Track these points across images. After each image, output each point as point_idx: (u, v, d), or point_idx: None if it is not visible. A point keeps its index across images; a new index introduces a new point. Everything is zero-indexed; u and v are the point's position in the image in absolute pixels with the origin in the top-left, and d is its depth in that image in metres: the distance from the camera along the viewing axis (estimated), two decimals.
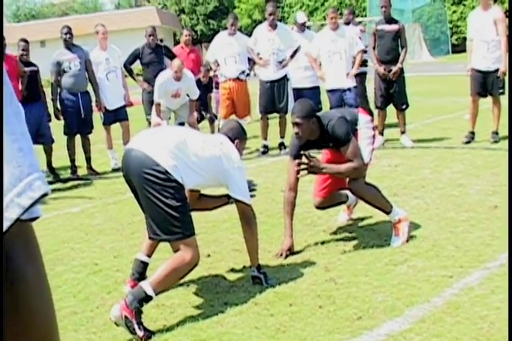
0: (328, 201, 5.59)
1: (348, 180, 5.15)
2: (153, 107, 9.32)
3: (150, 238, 4.27)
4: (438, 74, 21.88)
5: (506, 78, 8.97)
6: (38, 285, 1.05)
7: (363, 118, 5.31)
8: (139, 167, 3.98)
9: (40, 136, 8.84)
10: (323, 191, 5.50)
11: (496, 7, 9.55)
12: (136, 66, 10.25)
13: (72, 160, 9.27)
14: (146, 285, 3.85)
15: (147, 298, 3.82)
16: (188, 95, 9.42)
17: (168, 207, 3.97)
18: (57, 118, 9.20)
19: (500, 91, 9.18)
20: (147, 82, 9.96)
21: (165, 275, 3.91)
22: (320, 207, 5.62)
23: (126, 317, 3.69)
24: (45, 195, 1.00)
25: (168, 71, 9.25)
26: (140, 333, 3.70)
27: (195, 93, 9.41)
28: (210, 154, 4.22)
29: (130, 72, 10.07)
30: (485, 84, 9.22)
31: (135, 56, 10.05)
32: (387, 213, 5.22)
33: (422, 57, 36.78)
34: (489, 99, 9.32)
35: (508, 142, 8.15)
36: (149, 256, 4.56)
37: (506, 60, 8.99)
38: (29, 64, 8.95)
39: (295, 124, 4.88)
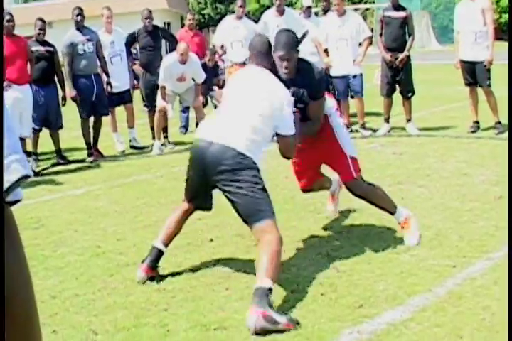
0: (312, 188, 5.47)
1: (346, 182, 4.93)
2: (159, 90, 9.28)
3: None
4: (446, 63, 21.75)
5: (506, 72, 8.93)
6: (18, 268, 1.05)
7: (331, 101, 4.97)
8: (222, 160, 4.03)
9: (49, 120, 8.82)
10: (302, 182, 5.32)
11: None
12: None
13: (88, 143, 9.21)
14: (262, 282, 3.67)
15: (271, 291, 3.68)
16: (193, 79, 9.38)
17: (259, 190, 4.06)
18: (75, 101, 9.07)
19: (487, 82, 9.12)
20: (143, 67, 9.89)
21: (270, 262, 3.78)
22: (305, 191, 5.52)
23: (265, 316, 3.50)
24: (24, 177, 0.97)
25: (173, 54, 9.21)
26: (283, 321, 3.53)
27: (201, 76, 9.38)
28: (270, 124, 4.27)
29: (130, 54, 10.00)
30: (474, 74, 9.19)
31: (133, 38, 9.96)
32: (392, 214, 4.99)
33: (430, 45, 36.60)
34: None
35: (508, 136, 8.14)
36: (166, 245, 4.52)
37: (493, 50, 8.98)
38: (45, 43, 8.88)
39: (283, 59, 4.51)
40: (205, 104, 10.76)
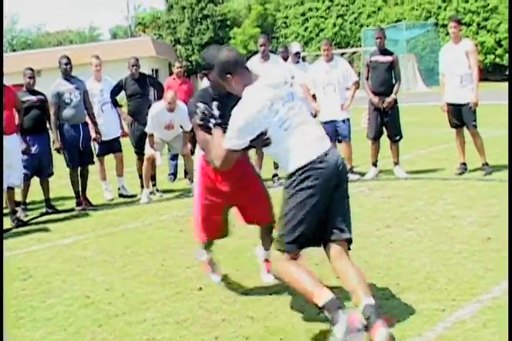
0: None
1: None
2: (147, 139, 9.30)
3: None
4: (433, 104, 21.94)
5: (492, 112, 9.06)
6: None
7: None
8: (343, 164, 4.12)
9: (40, 168, 8.82)
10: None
11: (466, 39, 9.73)
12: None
13: (77, 192, 9.20)
14: (366, 301, 3.76)
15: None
16: (181, 127, 9.43)
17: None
18: (58, 151, 9.08)
19: (473, 123, 9.22)
20: (131, 114, 9.93)
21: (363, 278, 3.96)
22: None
23: (388, 323, 3.69)
24: None
25: (161, 102, 9.26)
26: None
27: (189, 125, 9.43)
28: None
29: (115, 104, 10.01)
30: (460, 116, 9.28)
31: (119, 87, 9.98)
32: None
33: (416, 87, 36.99)
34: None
35: (508, 149, 8.18)
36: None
37: (478, 91, 9.10)
38: (36, 92, 8.93)
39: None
40: (193, 152, 10.79)
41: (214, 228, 5.09)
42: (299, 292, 3.98)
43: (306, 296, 3.90)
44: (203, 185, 4.97)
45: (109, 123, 9.74)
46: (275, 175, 9.92)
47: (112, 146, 9.83)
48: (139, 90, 9.90)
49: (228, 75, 4.07)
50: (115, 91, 9.93)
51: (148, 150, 9.32)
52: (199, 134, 4.59)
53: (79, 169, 9.21)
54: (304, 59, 31.23)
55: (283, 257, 4.03)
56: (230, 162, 4.12)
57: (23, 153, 8.49)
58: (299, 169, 3.96)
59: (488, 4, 38.56)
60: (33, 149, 8.68)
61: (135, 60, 9.96)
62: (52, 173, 9.07)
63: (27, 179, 8.72)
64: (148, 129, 9.19)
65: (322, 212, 4.00)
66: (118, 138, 9.95)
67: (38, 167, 8.81)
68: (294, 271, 3.96)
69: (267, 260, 5.25)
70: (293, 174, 4.00)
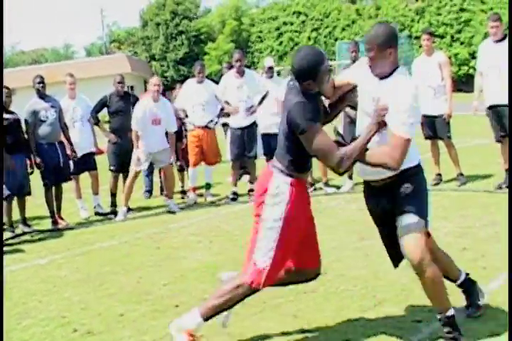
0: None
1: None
2: (133, 154, 9.28)
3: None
4: None
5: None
6: None
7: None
8: None
9: (20, 188, 8.75)
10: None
11: (439, 52, 9.83)
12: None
13: (52, 211, 9.12)
14: (446, 311, 3.98)
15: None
16: (166, 134, 9.47)
17: None
18: (39, 167, 8.97)
19: (448, 135, 9.29)
20: (114, 131, 9.90)
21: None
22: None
23: None
24: None
25: (143, 99, 9.42)
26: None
27: (174, 122, 9.53)
28: None
29: (97, 121, 9.98)
30: (434, 128, 9.34)
31: (102, 104, 9.95)
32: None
33: None
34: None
35: (509, 153, 8.24)
36: None
37: (451, 103, 9.16)
38: (10, 112, 8.83)
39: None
40: (183, 168, 10.76)
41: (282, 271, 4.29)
42: (434, 295, 4.01)
43: (438, 300, 4.01)
44: (289, 219, 4.07)
45: (81, 138, 9.65)
46: (251, 190, 9.90)
47: (88, 163, 9.78)
48: (124, 107, 9.87)
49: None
50: (98, 107, 9.90)
51: (133, 168, 9.31)
52: (322, 139, 3.92)
53: (53, 188, 9.14)
54: (278, 73, 31.42)
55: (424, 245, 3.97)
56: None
57: (7, 169, 8.44)
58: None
59: (461, 17, 39.14)
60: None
61: (121, 78, 10.00)
62: (29, 192, 8.99)
63: (10, 199, 8.64)
64: (134, 125, 9.21)
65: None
66: (93, 156, 9.90)
67: (18, 186, 8.73)
68: (439, 276, 4.03)
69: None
70: (417, 166, 4.13)
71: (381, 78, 3.96)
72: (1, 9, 8.27)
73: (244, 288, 4.04)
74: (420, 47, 39.56)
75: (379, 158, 3.89)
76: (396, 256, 4.27)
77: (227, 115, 10.18)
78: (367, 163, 3.94)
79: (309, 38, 45.70)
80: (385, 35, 3.90)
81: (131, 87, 41.17)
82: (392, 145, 3.83)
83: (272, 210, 4.03)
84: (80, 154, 9.55)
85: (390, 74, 3.95)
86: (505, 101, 8.28)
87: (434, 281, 3.92)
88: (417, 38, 36.66)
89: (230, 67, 11.08)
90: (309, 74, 3.97)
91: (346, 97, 4.36)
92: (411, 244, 3.91)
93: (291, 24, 46.94)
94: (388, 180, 4.05)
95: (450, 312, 3.97)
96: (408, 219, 3.98)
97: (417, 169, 4.11)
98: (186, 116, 10.16)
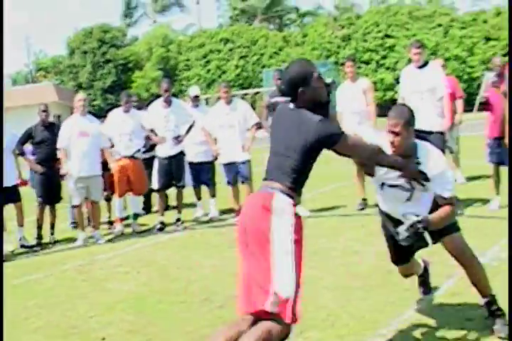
0: None
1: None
2: (61, 155, 9.29)
3: None
4: None
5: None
6: None
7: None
8: None
9: None
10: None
11: (363, 78, 10.17)
12: None
13: None
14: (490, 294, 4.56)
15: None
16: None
17: None
18: None
19: None
20: (39, 162, 9.75)
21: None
22: None
23: None
24: None
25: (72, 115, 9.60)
26: None
27: (106, 140, 9.75)
28: None
29: (22, 153, 9.82)
30: None
31: (27, 136, 9.81)
32: None
33: None
34: None
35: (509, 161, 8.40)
36: None
37: (375, 128, 9.38)
38: None
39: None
40: (109, 197, 10.64)
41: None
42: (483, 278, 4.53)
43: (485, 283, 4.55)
44: (298, 242, 4.06)
45: (4, 171, 9.50)
46: (178, 220, 9.85)
47: (12, 195, 9.60)
48: (49, 137, 9.75)
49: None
50: (23, 139, 9.74)
51: (77, 198, 9.36)
52: (355, 138, 4.19)
53: None
54: (207, 102, 31.49)
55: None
56: None
57: None
58: None
59: (386, 43, 40.19)
60: None
61: (45, 106, 9.97)
62: None
63: None
64: (59, 143, 9.35)
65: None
66: (16, 187, 9.73)
67: None
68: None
69: None
70: None
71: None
72: (1, 9, 8.20)
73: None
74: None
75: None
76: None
77: (154, 146, 10.14)
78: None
79: (237, 66, 46.09)
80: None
81: (59, 116, 40.52)
82: None
83: (280, 232, 3.88)
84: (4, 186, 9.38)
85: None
86: (427, 127, 8.46)
87: (482, 268, 4.53)
88: (343, 64, 37.41)
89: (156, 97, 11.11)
90: (302, 81, 3.89)
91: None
92: (458, 242, 4.53)
93: (219, 52, 47.29)
94: None
95: (493, 292, 4.55)
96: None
97: None
98: (112, 145, 10.07)
